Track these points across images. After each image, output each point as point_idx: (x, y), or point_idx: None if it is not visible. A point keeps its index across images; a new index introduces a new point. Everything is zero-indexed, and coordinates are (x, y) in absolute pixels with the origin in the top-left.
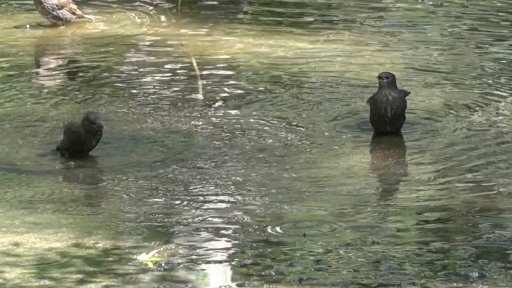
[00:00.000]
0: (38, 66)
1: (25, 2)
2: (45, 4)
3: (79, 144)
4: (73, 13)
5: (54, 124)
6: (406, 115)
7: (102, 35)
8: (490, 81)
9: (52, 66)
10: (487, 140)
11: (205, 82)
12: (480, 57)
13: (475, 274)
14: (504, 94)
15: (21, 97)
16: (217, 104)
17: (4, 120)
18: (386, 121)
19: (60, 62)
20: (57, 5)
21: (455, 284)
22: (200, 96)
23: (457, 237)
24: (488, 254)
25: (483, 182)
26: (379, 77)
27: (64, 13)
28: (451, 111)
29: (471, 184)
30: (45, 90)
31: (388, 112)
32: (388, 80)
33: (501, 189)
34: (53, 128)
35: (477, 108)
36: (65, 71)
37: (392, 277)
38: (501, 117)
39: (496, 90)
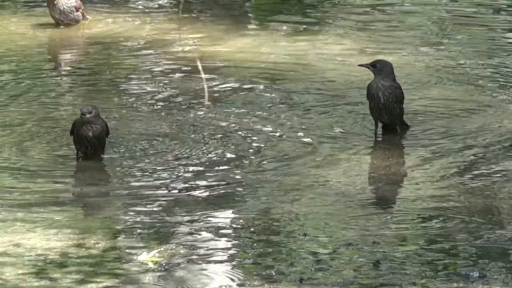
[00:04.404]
0: (45, 67)
1: (32, 2)
2: (64, 7)
3: (79, 138)
4: (82, 14)
5: (56, 125)
6: (408, 116)
7: (104, 36)
8: (493, 83)
9: (58, 66)
10: (488, 141)
11: (207, 82)
12: (488, 57)
13: (476, 274)
14: (508, 96)
15: (27, 98)
16: (216, 104)
17: (9, 120)
18: (380, 107)
19: (66, 63)
20: (75, 7)
21: (455, 284)
22: (206, 100)
23: (457, 237)
24: (488, 254)
25: (483, 182)
26: (366, 66)
27: (79, 15)
28: (453, 111)
29: (471, 184)
30: (51, 91)
31: (380, 98)
32: (375, 68)
33: (501, 189)
34: (55, 128)
35: (479, 109)
36: (71, 72)
37: (392, 277)
38: (502, 118)
39: (498, 91)
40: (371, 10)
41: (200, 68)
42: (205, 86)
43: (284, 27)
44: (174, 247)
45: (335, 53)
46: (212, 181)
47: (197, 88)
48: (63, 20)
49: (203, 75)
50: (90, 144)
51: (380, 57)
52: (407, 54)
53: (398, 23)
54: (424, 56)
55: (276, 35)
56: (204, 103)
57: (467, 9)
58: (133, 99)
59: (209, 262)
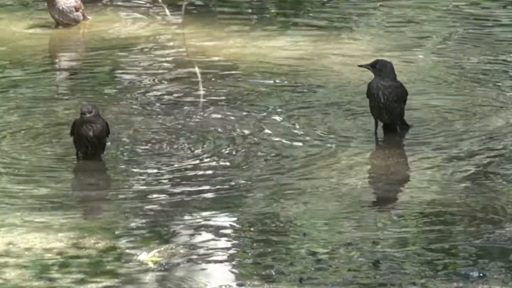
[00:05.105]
0: (45, 67)
1: (32, 2)
2: (63, 7)
3: (79, 138)
4: (83, 15)
5: (55, 125)
6: (409, 116)
7: (104, 36)
8: (491, 85)
9: (57, 67)
10: (488, 141)
11: (204, 82)
12: (492, 59)
13: (476, 274)
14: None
15: (26, 98)
16: (217, 105)
17: (7, 120)
18: (380, 107)
19: (66, 63)
20: (74, 7)
21: (455, 284)
22: (201, 98)
23: (457, 237)
24: (488, 254)
25: (483, 182)
26: (366, 66)
27: (79, 15)
28: (453, 113)
29: (471, 184)
30: (49, 91)
31: (381, 98)
32: (375, 68)
33: (501, 189)
34: (55, 129)
35: (479, 111)
36: (70, 72)
37: (392, 277)
38: (502, 119)
39: (498, 93)
40: (380, 7)
41: (195, 66)
42: (200, 84)
43: (299, 26)
44: (174, 247)
45: (336, 53)
46: (211, 181)
47: (202, 88)
48: (62, 20)
49: (198, 74)
50: (90, 144)
51: (386, 56)
52: (419, 52)
53: (406, 19)
54: (436, 54)
55: (291, 34)
56: (199, 100)
57: (475, 4)
58: (134, 99)
59: (209, 262)
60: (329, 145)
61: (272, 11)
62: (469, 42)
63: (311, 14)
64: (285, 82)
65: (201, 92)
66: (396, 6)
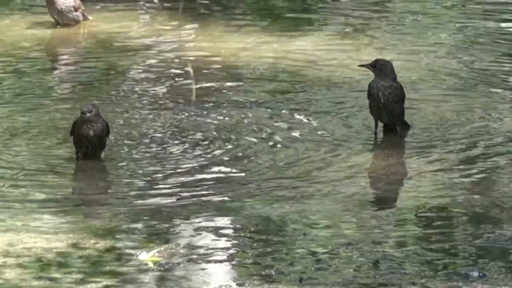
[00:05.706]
0: (44, 67)
1: (32, 2)
2: (62, 7)
3: (79, 138)
4: (83, 15)
5: (55, 124)
6: (419, 115)
7: (104, 36)
8: (487, 86)
9: (56, 67)
10: (488, 141)
11: (202, 84)
12: (494, 59)
13: (476, 274)
14: (505, 99)
15: (25, 98)
16: (215, 105)
17: (7, 120)
18: (380, 107)
19: (65, 63)
20: (73, 7)
21: (455, 284)
22: (193, 98)
23: (457, 237)
24: (488, 254)
25: (483, 182)
26: (366, 66)
27: (78, 15)
28: (453, 114)
29: (471, 184)
30: (49, 91)
31: (381, 98)
32: (375, 68)
33: (501, 189)
34: (55, 128)
35: (479, 111)
36: (69, 72)
37: (392, 277)
38: (500, 119)
39: (497, 94)
40: (390, 4)
41: (189, 67)
42: (193, 82)
43: (307, 25)
44: (174, 247)
45: (336, 53)
46: (211, 181)
47: (202, 88)
48: (61, 20)
49: (190, 70)
50: (90, 143)
51: (395, 55)
52: (429, 51)
53: (419, 16)
54: (448, 53)
55: (276, 35)
56: (191, 99)
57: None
58: (134, 100)
59: (209, 262)
60: (329, 145)
61: (281, 7)
62: (483, 39)
63: (321, 12)
64: (290, 81)
65: (193, 89)
66: (407, 1)
